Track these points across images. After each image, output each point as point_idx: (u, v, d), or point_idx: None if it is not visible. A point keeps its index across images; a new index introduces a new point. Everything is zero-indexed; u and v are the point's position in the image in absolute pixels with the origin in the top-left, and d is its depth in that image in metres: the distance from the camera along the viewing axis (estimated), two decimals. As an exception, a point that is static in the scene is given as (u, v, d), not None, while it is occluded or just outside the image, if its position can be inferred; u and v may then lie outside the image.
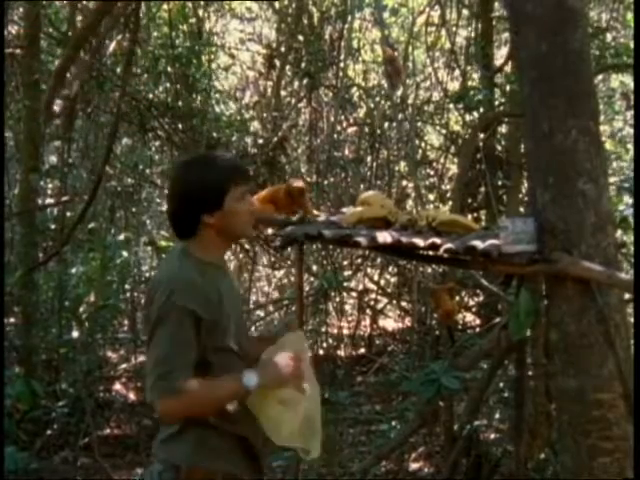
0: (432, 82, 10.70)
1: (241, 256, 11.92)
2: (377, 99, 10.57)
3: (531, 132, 3.50)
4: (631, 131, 10.42)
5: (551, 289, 3.40)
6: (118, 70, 9.14)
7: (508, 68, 8.89)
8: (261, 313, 11.22)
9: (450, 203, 8.34)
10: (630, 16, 9.23)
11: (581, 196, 3.29)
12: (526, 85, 3.55)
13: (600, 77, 10.06)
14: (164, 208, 12.54)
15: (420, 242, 3.65)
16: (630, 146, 10.07)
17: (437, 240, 3.60)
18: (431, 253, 3.84)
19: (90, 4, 7.37)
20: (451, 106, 9.68)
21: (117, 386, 8.65)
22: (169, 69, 9.62)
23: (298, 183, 5.02)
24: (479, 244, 3.36)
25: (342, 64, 10.15)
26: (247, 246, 11.37)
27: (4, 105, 5.81)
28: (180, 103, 9.66)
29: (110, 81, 9.07)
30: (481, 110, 8.55)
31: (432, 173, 10.37)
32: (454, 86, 10.12)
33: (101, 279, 7.12)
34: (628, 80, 10.28)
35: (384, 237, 3.81)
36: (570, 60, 3.39)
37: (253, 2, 11.53)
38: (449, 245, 3.49)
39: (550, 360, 3.49)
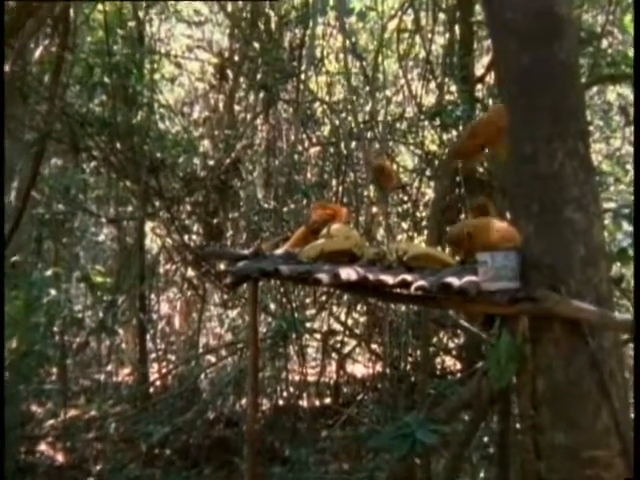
0: (405, 96, 10.80)
1: (189, 294, 11.82)
2: (343, 115, 10.62)
3: (512, 155, 3.53)
4: (630, 149, 10.55)
5: (537, 331, 3.40)
6: (45, 80, 9.08)
7: (490, 79, 9.00)
8: (212, 358, 11.11)
9: (425, 233, 8.39)
10: (629, 19, 9.34)
11: (569, 226, 3.32)
12: (506, 102, 3.59)
13: (594, 89, 10.22)
14: (100, 238, 12.45)
15: (389, 279, 3.65)
16: (629, 167, 10.17)
17: (408, 277, 3.60)
18: (402, 291, 3.85)
19: (11, 3, 7.28)
20: (426, 123, 9.76)
21: (42, 446, 8.49)
22: (105, 80, 9.57)
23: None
24: (455, 281, 3.37)
25: (303, 76, 10.19)
26: (196, 282, 11.31)
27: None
28: (118, 119, 9.61)
29: (36, 92, 9.00)
30: (460, 127, 8.63)
31: (405, 199, 10.41)
32: (429, 100, 10.21)
33: (25, 321, 7.00)
34: (627, 92, 10.31)
35: (348, 274, 3.81)
36: (556, 73, 3.43)
37: (202, 4, 11.57)
38: (422, 282, 3.49)
39: (538, 412, 3.48)
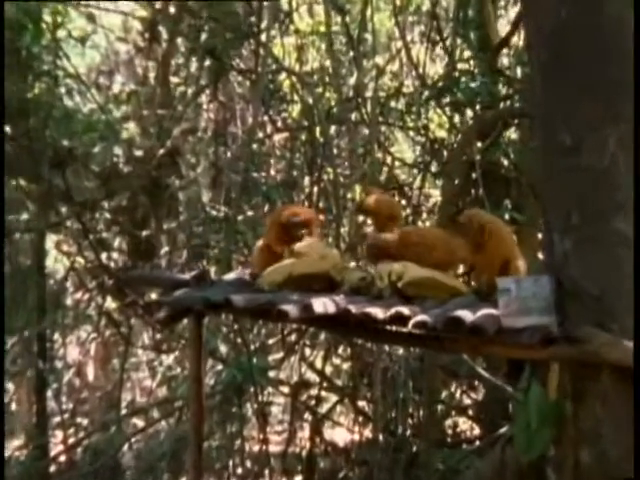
0: (403, 64, 10.83)
1: (108, 333, 11.76)
2: (318, 90, 10.64)
3: (545, 145, 3.55)
4: None
5: (579, 383, 3.42)
6: None
7: (518, 40, 9.04)
8: (139, 422, 11.07)
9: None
10: None
11: (620, 240, 3.35)
12: (536, 72, 3.61)
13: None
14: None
15: (379, 313, 3.65)
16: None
17: (405, 310, 3.61)
18: (397, 329, 3.85)
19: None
20: (431, 101, 9.79)
21: None
22: (-13, 38, 9.53)
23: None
24: (468, 315, 3.38)
25: (264, 36, 10.21)
26: (117, 317, 11.24)
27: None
28: (7, 92, 9.54)
29: None
30: (477, 107, 8.69)
31: (404, 203, 10.43)
32: (436, 70, 10.27)
33: None
34: None
35: (325, 305, 3.81)
36: (604, 33, 3.45)
37: None
38: (423, 317, 3.50)
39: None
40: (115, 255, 10.86)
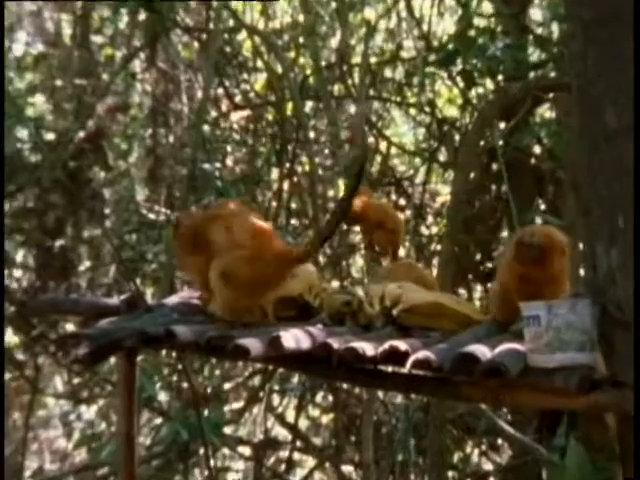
0: (401, 19, 10.88)
1: (8, 377, 11.74)
2: (290, 55, 10.66)
3: (585, 127, 3.59)
4: None
5: (630, 439, 3.45)
6: None
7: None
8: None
9: (436, 264, 8.43)
10: None
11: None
12: (574, 34, 3.65)
13: None
14: None
15: (368, 348, 3.68)
16: None
17: (401, 345, 3.64)
18: (393, 369, 3.88)
19: None
20: (439, 70, 9.82)
21: None
22: None
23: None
24: (484, 352, 3.41)
25: (217, -18, 10.26)
26: (21, 356, 11.22)
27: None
28: None
29: None
30: (499, 77, 8.74)
31: (403, 203, 10.47)
32: (445, 28, 10.32)
33: None
34: None
35: (296, 339, 3.84)
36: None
37: None
38: (425, 354, 3.53)
39: None
40: (18, 273, 10.85)
